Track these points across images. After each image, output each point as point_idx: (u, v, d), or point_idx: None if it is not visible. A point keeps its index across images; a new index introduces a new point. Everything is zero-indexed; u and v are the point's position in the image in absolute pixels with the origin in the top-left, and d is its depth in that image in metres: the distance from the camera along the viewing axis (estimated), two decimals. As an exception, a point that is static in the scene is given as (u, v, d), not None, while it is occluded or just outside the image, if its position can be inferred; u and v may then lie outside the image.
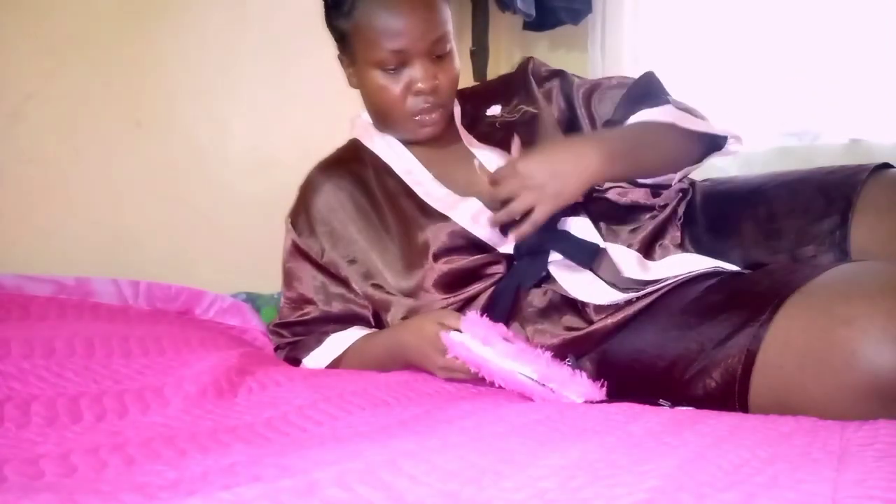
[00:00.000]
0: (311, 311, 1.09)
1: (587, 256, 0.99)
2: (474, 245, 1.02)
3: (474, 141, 1.08)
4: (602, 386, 0.85)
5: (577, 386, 0.84)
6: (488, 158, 1.05)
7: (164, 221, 1.54)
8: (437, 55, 0.99)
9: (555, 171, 0.91)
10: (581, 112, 1.10)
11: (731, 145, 1.08)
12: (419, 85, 0.99)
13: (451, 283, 1.01)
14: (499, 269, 1.02)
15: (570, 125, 1.10)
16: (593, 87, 1.12)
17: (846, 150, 1.72)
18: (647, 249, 1.02)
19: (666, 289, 0.93)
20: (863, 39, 1.70)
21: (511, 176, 0.92)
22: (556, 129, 1.08)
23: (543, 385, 0.84)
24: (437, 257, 1.01)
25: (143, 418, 0.71)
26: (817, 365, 0.71)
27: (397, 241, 1.05)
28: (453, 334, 0.88)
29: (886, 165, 1.02)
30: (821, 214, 0.98)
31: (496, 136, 1.08)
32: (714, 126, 1.05)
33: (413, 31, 0.96)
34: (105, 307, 1.13)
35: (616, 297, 0.94)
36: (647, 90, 1.08)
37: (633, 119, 1.04)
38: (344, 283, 1.08)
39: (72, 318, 1.03)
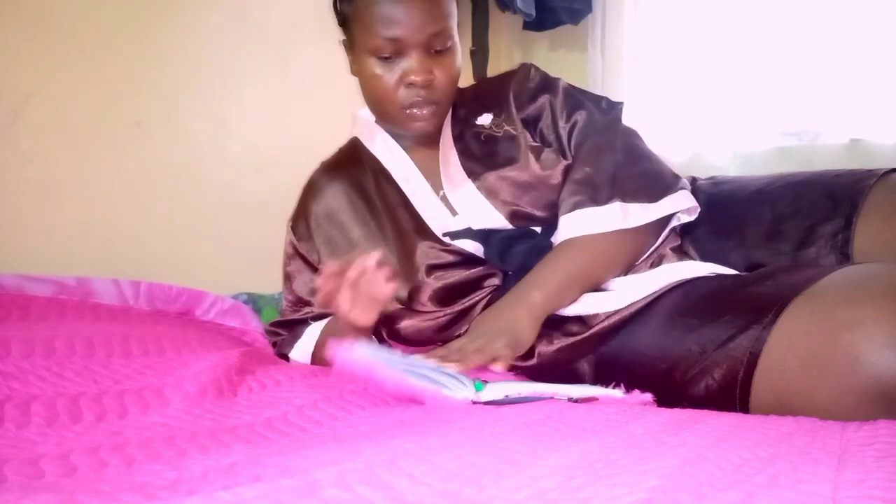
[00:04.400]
0: (312, 312, 1.10)
1: None
2: (469, 259, 1.02)
3: (451, 170, 1.06)
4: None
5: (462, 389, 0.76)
6: (458, 196, 1.04)
7: (164, 221, 1.54)
8: (436, 50, 0.98)
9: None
10: (567, 147, 1.06)
11: (683, 216, 1.03)
12: (413, 77, 0.97)
13: (445, 297, 1.01)
14: (494, 281, 1.02)
15: (557, 146, 1.07)
16: (574, 125, 1.07)
17: (846, 150, 1.71)
18: (641, 266, 1.02)
19: (663, 290, 0.92)
20: (863, 39, 1.70)
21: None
22: (527, 155, 1.04)
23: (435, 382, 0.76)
24: (430, 272, 1.01)
25: (143, 418, 0.71)
26: (820, 369, 0.71)
27: (395, 252, 1.05)
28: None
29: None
30: (825, 217, 0.97)
31: (479, 149, 1.07)
32: (665, 208, 0.98)
33: (411, 21, 0.95)
34: (105, 307, 1.13)
35: (613, 304, 0.94)
36: (599, 174, 0.99)
37: (576, 227, 0.96)
38: None
39: (72, 318, 1.03)
